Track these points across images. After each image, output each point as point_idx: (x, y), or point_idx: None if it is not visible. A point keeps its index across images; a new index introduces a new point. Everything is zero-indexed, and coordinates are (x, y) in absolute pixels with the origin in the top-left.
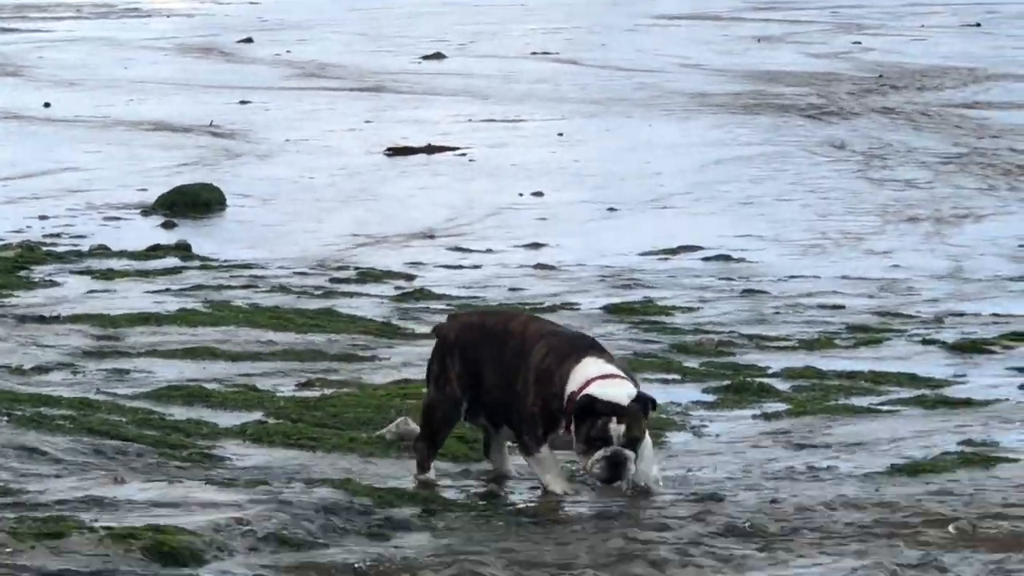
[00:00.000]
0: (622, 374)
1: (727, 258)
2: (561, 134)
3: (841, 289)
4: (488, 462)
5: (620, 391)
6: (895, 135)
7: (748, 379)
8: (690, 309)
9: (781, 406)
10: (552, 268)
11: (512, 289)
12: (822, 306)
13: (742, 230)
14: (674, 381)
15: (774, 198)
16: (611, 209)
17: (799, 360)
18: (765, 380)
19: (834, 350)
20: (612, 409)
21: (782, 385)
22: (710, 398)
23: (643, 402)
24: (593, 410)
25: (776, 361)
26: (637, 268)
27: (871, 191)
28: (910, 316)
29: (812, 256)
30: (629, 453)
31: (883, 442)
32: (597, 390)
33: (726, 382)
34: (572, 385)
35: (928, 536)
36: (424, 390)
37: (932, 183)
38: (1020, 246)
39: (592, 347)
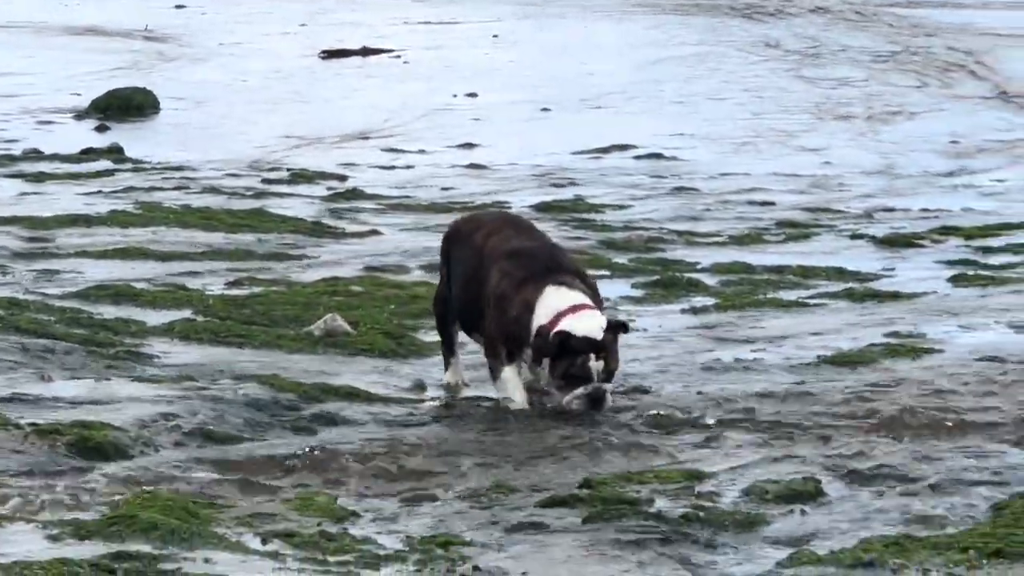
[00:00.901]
0: (588, 301)
1: (659, 156)
2: (496, 36)
3: (772, 186)
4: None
5: (593, 323)
6: (829, 34)
7: (677, 274)
8: (621, 206)
9: (709, 300)
10: (484, 167)
11: (444, 189)
12: (752, 202)
13: (675, 129)
14: (603, 277)
15: (707, 97)
16: (544, 109)
17: (728, 255)
18: (694, 275)
19: (763, 245)
20: (590, 345)
21: (711, 280)
22: (638, 293)
23: (616, 330)
24: (570, 348)
25: (705, 256)
26: (569, 167)
27: (804, 89)
28: (840, 211)
29: (744, 154)
30: (608, 386)
31: (810, 335)
32: (570, 324)
33: (655, 277)
34: (539, 318)
35: (855, 425)
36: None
37: (865, 81)
38: (951, 142)
39: (549, 271)
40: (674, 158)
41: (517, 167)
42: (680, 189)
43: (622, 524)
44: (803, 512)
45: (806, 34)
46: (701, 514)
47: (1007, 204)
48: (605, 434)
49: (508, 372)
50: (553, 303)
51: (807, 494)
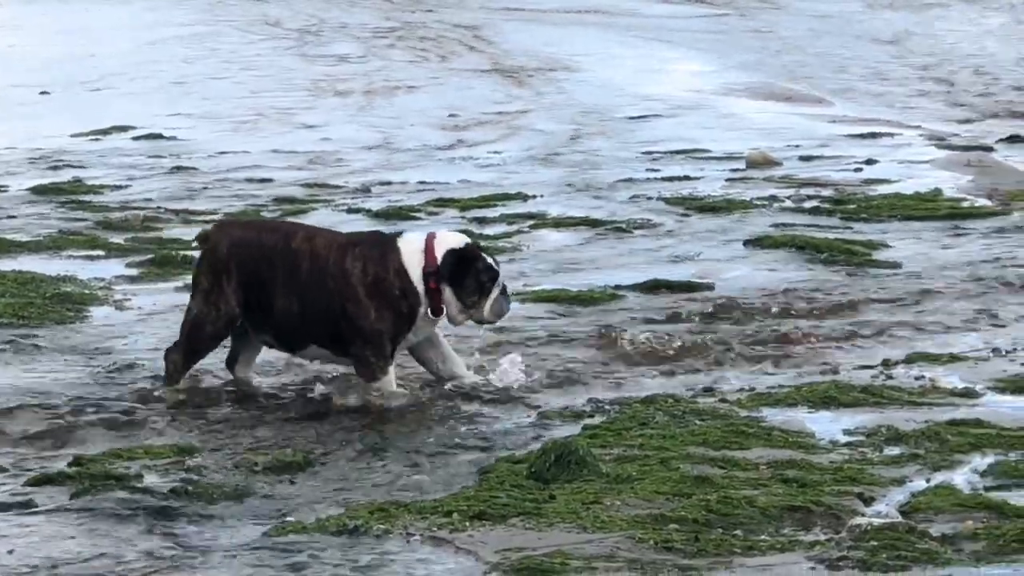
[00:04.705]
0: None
1: (158, 136)
2: None
3: (270, 163)
4: (231, 373)
5: (455, 235)
6: (329, 12)
7: (173, 252)
8: (119, 187)
9: None
10: None
11: None
12: (250, 180)
13: (174, 109)
14: (99, 257)
15: (207, 77)
16: (44, 93)
17: None
18: (189, 253)
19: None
20: (477, 247)
21: None
22: (134, 272)
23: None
24: (466, 258)
25: None
26: (68, 149)
27: (304, 67)
28: (338, 186)
29: (243, 132)
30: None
31: None
32: (447, 245)
33: (150, 256)
34: (415, 265)
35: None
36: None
37: (364, 57)
38: (449, 116)
39: (386, 235)
40: (173, 138)
41: (15, 151)
42: (178, 168)
43: (110, 500)
44: (292, 482)
45: (306, 12)
46: (190, 488)
47: (503, 175)
48: (101, 415)
49: (392, 371)
50: (414, 247)
51: (296, 465)
